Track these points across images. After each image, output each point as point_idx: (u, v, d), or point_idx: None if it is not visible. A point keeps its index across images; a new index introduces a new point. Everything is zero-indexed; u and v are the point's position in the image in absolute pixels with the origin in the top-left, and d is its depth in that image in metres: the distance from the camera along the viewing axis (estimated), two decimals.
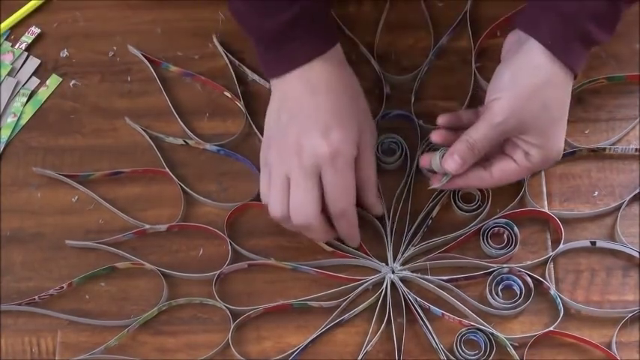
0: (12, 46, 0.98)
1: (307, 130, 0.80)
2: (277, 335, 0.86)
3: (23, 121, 0.95)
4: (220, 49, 0.95)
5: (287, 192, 0.81)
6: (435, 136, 0.84)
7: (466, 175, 0.83)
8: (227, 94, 0.93)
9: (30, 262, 0.90)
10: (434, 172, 0.85)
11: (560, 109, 0.81)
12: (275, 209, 0.82)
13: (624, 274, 0.86)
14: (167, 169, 0.91)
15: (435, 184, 0.84)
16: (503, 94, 0.80)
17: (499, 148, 0.83)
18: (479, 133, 0.81)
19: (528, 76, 0.80)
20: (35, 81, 0.97)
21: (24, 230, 0.91)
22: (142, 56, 0.95)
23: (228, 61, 0.94)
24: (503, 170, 0.83)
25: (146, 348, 0.87)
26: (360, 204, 0.85)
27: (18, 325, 0.88)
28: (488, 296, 0.85)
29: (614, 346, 0.83)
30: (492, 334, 0.84)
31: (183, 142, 0.92)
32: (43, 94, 0.96)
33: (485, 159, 0.83)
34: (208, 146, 0.92)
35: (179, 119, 0.93)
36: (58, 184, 0.92)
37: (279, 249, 0.89)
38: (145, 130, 0.92)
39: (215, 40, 0.95)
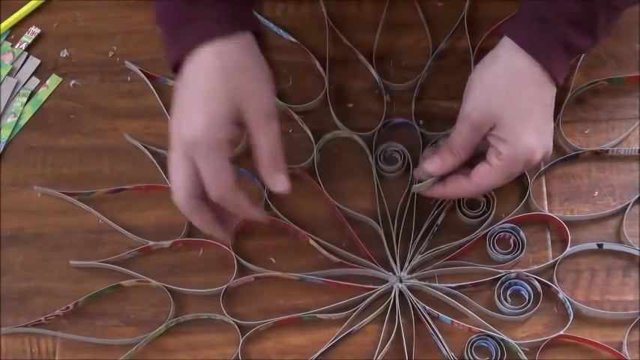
0: (12, 46, 0.98)
1: (177, 117, 0.78)
2: (277, 335, 0.86)
3: (23, 121, 0.95)
4: None
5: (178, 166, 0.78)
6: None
7: (446, 180, 0.83)
8: None
9: (30, 262, 0.90)
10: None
11: (528, 104, 0.81)
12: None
13: (624, 274, 0.86)
14: (169, 185, 0.90)
15: (416, 186, 0.85)
16: (473, 89, 0.82)
17: (482, 155, 0.83)
18: (455, 132, 0.82)
19: (495, 68, 0.82)
20: (35, 81, 0.97)
21: (24, 230, 0.91)
22: (139, 71, 0.95)
23: None
24: (479, 174, 0.82)
25: (146, 348, 0.86)
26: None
27: (18, 324, 0.87)
28: (497, 302, 0.85)
29: (624, 348, 0.83)
30: (503, 339, 0.83)
31: None
32: (43, 94, 0.96)
33: (469, 165, 0.83)
34: None
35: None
36: (58, 184, 0.92)
37: (280, 249, 0.89)
38: (145, 147, 0.92)
39: None
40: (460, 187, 0.83)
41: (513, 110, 0.80)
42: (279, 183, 0.79)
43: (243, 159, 0.91)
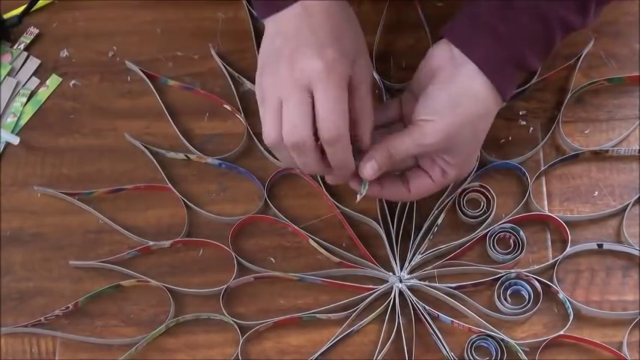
0: (11, 46, 0.98)
1: (301, 49, 0.76)
2: (277, 335, 0.86)
3: (23, 121, 0.95)
4: (219, 61, 0.95)
5: (280, 114, 0.76)
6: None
7: (384, 187, 0.82)
8: (227, 106, 0.93)
9: (30, 262, 0.90)
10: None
11: (482, 132, 0.81)
12: (268, 133, 0.77)
13: (624, 274, 0.86)
14: (169, 185, 0.90)
15: (357, 191, 0.82)
16: (440, 119, 0.78)
17: (414, 159, 0.83)
18: (403, 146, 0.79)
19: (468, 106, 0.78)
20: (35, 81, 0.97)
21: (24, 230, 0.91)
22: (139, 71, 0.95)
23: (226, 72, 0.94)
24: (420, 187, 0.82)
25: (146, 348, 0.86)
26: (352, 139, 0.79)
27: (18, 324, 0.87)
28: (497, 302, 0.85)
29: (625, 348, 0.83)
30: (503, 339, 0.83)
31: (185, 157, 0.92)
32: (43, 94, 0.96)
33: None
34: (210, 160, 0.91)
35: (180, 134, 0.93)
36: (58, 184, 0.92)
37: (280, 249, 0.89)
38: (145, 147, 0.92)
39: (213, 51, 0.95)
40: (399, 193, 0.83)
41: (469, 140, 0.80)
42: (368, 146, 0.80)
43: (242, 159, 0.92)
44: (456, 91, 0.78)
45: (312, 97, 0.75)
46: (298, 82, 0.75)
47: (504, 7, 0.78)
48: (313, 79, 0.74)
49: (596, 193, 0.89)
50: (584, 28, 0.80)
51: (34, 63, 0.97)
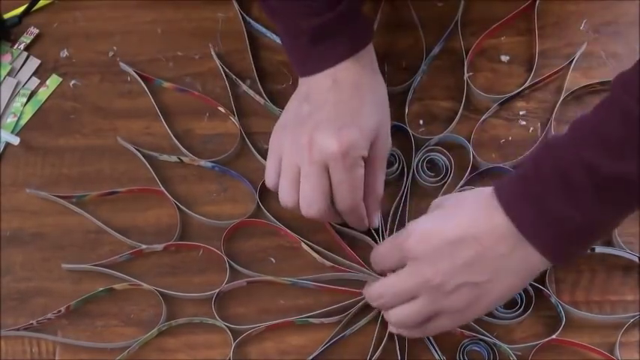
0: (11, 46, 0.98)
1: (323, 126, 0.80)
2: (277, 335, 0.86)
3: (23, 121, 0.95)
4: (218, 61, 0.95)
5: (297, 183, 0.82)
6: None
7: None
8: (221, 109, 0.93)
9: (30, 262, 0.90)
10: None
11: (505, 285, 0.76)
12: (285, 199, 0.83)
13: (624, 275, 0.86)
14: (163, 189, 0.90)
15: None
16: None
17: None
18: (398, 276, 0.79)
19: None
20: (35, 81, 0.97)
21: (24, 230, 0.91)
22: (134, 73, 0.95)
23: (223, 74, 0.94)
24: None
25: (146, 348, 0.86)
26: None
27: (18, 325, 0.87)
28: None
29: (617, 352, 0.83)
30: (495, 343, 0.83)
31: (178, 160, 0.92)
32: (43, 94, 0.96)
33: None
34: (203, 163, 0.91)
35: (174, 136, 0.93)
36: (58, 184, 0.92)
37: (280, 249, 0.89)
38: (138, 150, 0.92)
39: (212, 52, 0.95)
40: None
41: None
42: (374, 221, 0.86)
43: (238, 160, 0.92)
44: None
45: (329, 172, 0.80)
46: (316, 163, 0.79)
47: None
48: (329, 160, 0.79)
49: None
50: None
51: (34, 63, 0.97)
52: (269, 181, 0.85)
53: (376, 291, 0.80)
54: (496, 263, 0.73)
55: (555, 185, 0.70)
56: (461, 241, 0.73)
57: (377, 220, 0.86)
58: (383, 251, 0.81)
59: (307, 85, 0.83)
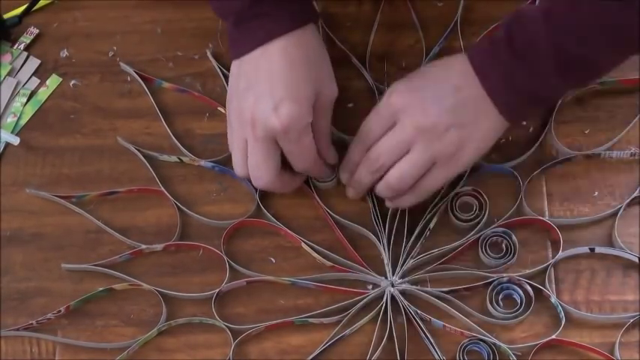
0: (11, 46, 0.98)
1: (260, 102, 0.80)
2: (277, 335, 0.86)
3: (23, 121, 0.95)
4: (214, 62, 0.95)
5: (246, 154, 0.84)
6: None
7: None
8: (221, 109, 0.93)
9: (30, 262, 0.90)
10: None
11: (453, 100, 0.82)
12: (238, 170, 0.86)
13: (624, 274, 0.86)
14: (163, 189, 0.90)
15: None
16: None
17: None
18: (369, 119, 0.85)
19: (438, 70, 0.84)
20: (35, 81, 0.97)
21: (24, 230, 0.91)
22: (134, 73, 0.95)
23: (221, 74, 0.94)
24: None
25: (145, 348, 0.86)
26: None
27: (18, 325, 0.87)
28: (489, 306, 0.85)
29: (617, 352, 0.83)
30: (495, 344, 0.83)
31: (178, 160, 0.92)
32: (43, 94, 0.96)
33: None
34: (203, 163, 0.91)
35: (174, 135, 0.93)
36: (58, 184, 0.92)
37: (280, 249, 0.89)
38: (138, 150, 0.92)
39: (208, 52, 0.95)
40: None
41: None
42: (333, 155, 0.88)
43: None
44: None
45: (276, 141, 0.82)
46: (260, 138, 0.81)
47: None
48: (273, 134, 0.81)
49: (597, 193, 0.89)
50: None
51: (34, 63, 0.97)
52: (231, 150, 0.87)
53: (375, 151, 0.83)
54: (476, 108, 0.81)
55: (523, 57, 0.79)
56: (442, 89, 0.81)
57: (333, 155, 0.88)
58: (371, 120, 0.84)
59: (237, 63, 0.84)
